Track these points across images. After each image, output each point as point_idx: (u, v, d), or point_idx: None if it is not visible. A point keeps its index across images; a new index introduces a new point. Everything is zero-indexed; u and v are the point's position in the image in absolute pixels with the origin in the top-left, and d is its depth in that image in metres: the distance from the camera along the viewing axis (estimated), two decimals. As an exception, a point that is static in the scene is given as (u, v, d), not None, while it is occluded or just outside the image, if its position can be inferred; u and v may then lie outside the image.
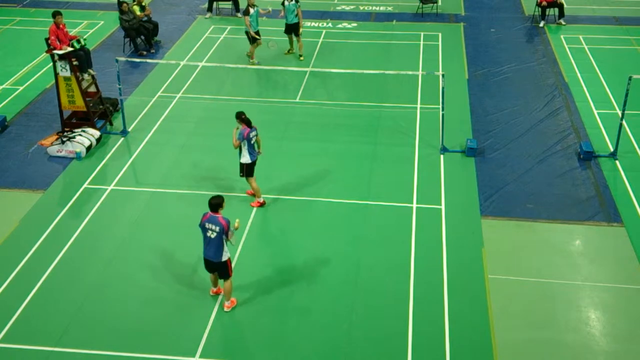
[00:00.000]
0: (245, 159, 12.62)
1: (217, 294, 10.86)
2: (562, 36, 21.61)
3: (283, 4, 18.58)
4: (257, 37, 18.52)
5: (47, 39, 16.05)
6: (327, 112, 16.99)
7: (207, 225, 10.08)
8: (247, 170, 12.77)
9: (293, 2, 18.46)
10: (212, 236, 10.06)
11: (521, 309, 10.73)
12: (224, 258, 10.25)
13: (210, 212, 10.11)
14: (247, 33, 18.82)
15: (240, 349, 10.17)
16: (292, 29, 19.11)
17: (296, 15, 18.74)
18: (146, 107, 17.17)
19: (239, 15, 23.55)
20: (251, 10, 17.72)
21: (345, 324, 10.44)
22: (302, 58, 19.48)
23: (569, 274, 11.51)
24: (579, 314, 10.65)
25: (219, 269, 10.38)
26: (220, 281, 10.67)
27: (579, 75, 18.83)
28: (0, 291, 11.13)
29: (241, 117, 12.52)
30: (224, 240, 10.12)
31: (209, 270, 10.56)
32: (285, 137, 15.78)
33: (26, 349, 10.03)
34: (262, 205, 13.10)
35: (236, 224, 10.18)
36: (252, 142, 12.57)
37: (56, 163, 14.80)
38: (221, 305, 10.72)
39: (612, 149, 14.94)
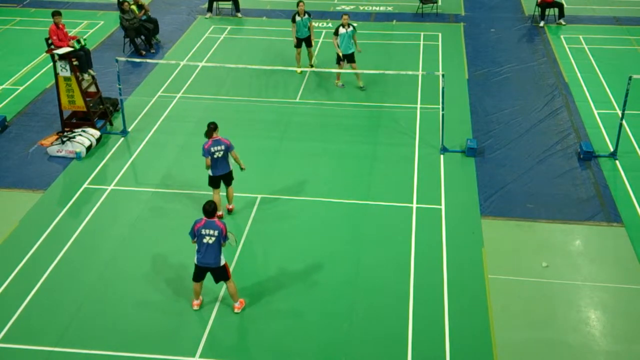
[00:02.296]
0: (209, 170, 12.36)
1: (199, 306, 10.70)
2: (562, 36, 21.62)
3: (294, 20, 18.44)
4: (341, 59, 17.73)
5: (47, 39, 16.07)
6: (327, 112, 16.99)
7: (204, 231, 9.96)
8: (209, 182, 12.58)
9: (306, 16, 18.36)
10: (211, 241, 9.99)
11: (521, 309, 10.73)
12: (223, 262, 10.23)
13: (206, 218, 10.03)
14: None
15: (240, 349, 10.17)
16: (304, 41, 18.85)
17: (308, 28, 18.60)
18: (146, 107, 17.17)
19: (239, 15, 23.58)
20: (341, 30, 17.42)
21: (346, 324, 10.44)
22: (314, 62, 19.27)
23: (569, 274, 11.51)
24: (579, 314, 10.65)
25: (218, 273, 10.31)
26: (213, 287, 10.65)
27: (579, 75, 18.83)
28: (0, 291, 11.13)
29: (209, 127, 12.04)
30: (222, 244, 10.10)
31: (201, 278, 10.39)
32: (285, 137, 15.78)
33: (26, 349, 10.03)
34: (230, 211, 13.01)
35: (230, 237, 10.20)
36: (214, 156, 12.04)
37: (56, 163, 14.80)
38: (222, 306, 10.72)
39: (612, 149, 14.94)
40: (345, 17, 17.28)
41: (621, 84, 15.81)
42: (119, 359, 9.85)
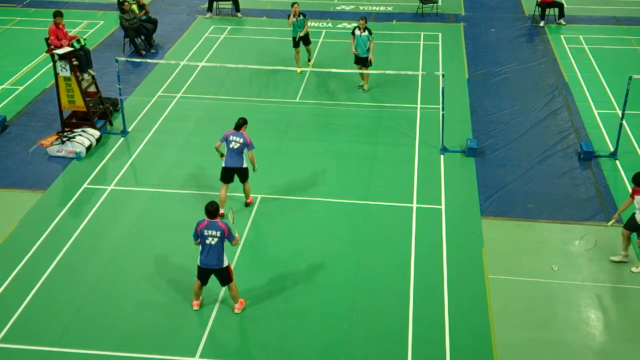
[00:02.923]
0: (222, 161, 12.57)
1: (199, 306, 10.72)
2: (562, 36, 21.62)
3: (289, 18, 18.53)
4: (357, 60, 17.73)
5: (47, 39, 16.07)
6: (327, 112, 16.99)
7: (207, 232, 9.95)
8: (220, 175, 12.68)
9: (301, 17, 18.43)
10: (213, 242, 9.98)
11: (521, 309, 10.73)
12: (226, 263, 10.21)
13: (208, 219, 10.02)
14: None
15: (241, 349, 10.17)
16: (301, 40, 18.92)
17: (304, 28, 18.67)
18: (146, 107, 17.17)
19: (239, 15, 23.58)
20: (357, 32, 17.36)
21: (346, 323, 10.44)
22: (310, 63, 19.38)
23: (569, 274, 11.51)
24: (579, 314, 10.65)
25: (222, 275, 10.30)
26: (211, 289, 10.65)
27: (579, 75, 18.83)
28: (0, 291, 11.13)
29: (238, 121, 12.49)
30: (224, 245, 10.08)
31: (205, 280, 10.41)
32: (285, 137, 15.78)
33: (26, 349, 10.03)
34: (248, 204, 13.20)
35: (237, 236, 10.17)
36: (230, 145, 12.29)
37: (56, 163, 14.80)
38: (222, 306, 10.71)
39: (612, 149, 14.94)
40: (361, 20, 17.22)
41: (621, 84, 15.80)
42: (118, 359, 9.85)
